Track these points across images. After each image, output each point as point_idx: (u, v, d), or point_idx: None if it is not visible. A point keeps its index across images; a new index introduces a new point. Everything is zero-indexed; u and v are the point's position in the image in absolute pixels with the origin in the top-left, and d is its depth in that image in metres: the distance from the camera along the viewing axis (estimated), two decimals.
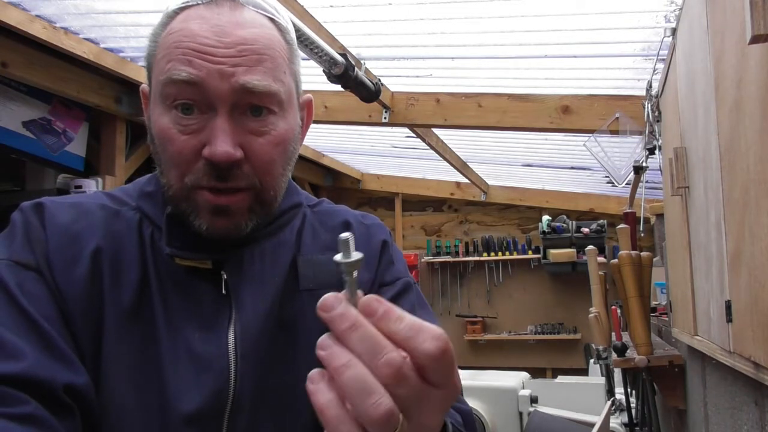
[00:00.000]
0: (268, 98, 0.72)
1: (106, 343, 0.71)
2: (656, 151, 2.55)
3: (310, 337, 0.77)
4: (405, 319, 0.44)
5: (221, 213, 0.72)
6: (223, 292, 0.75)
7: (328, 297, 0.45)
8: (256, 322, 0.75)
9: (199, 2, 0.72)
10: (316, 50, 2.29)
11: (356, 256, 0.47)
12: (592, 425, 1.64)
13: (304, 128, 0.83)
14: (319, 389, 0.44)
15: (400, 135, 4.25)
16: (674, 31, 2.02)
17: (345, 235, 0.47)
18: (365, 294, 0.80)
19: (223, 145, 0.69)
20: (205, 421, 0.71)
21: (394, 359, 0.42)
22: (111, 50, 2.99)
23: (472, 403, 2.36)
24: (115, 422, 0.70)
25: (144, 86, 0.79)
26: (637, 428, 2.60)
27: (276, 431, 0.75)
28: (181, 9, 0.73)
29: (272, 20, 0.75)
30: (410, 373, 0.43)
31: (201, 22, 0.71)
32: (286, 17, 0.78)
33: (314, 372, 0.45)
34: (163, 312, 0.73)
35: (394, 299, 0.82)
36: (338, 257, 0.46)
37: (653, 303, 3.04)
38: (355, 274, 0.46)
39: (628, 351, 2.37)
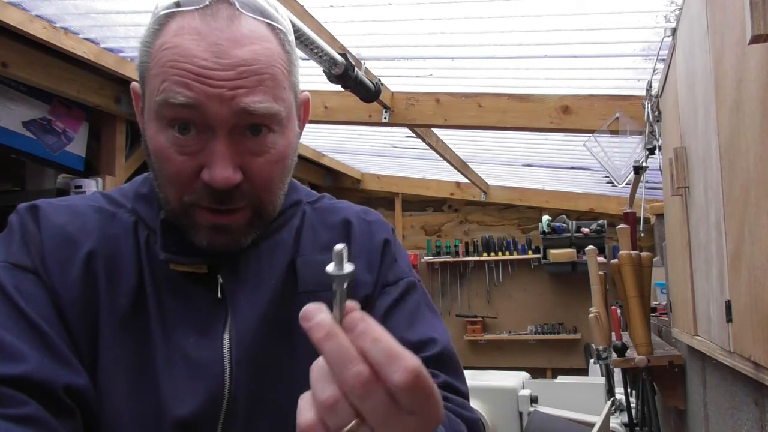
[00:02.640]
0: (268, 119, 0.70)
1: (101, 346, 0.71)
2: (656, 151, 2.55)
3: (308, 340, 0.77)
4: (381, 342, 0.44)
5: (221, 231, 0.72)
6: (219, 296, 0.74)
7: (309, 307, 0.46)
8: (251, 326, 0.74)
9: (192, 7, 0.68)
10: (316, 50, 2.29)
11: (348, 268, 0.46)
12: (592, 425, 1.64)
13: (301, 126, 0.82)
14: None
15: (400, 135, 4.24)
16: (674, 31, 2.02)
17: (339, 246, 0.47)
18: (370, 296, 0.80)
19: (222, 171, 0.67)
20: (200, 426, 0.70)
21: (361, 372, 0.43)
22: (111, 50, 2.99)
23: (472, 403, 2.36)
24: (110, 426, 0.69)
25: (135, 85, 0.77)
26: (637, 428, 2.60)
27: None
28: (173, 14, 0.69)
29: (271, 27, 0.71)
30: (377, 390, 0.43)
31: (198, 40, 0.67)
32: (285, 16, 0.75)
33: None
34: (159, 316, 0.73)
35: (399, 300, 0.81)
36: (330, 268, 0.46)
37: (653, 303, 3.03)
38: (345, 285, 0.46)
39: (628, 351, 2.37)
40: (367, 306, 0.80)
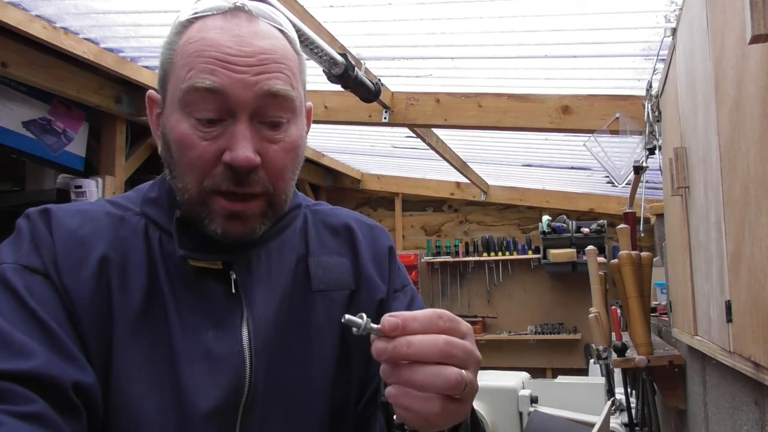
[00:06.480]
0: (287, 103, 0.74)
1: (116, 344, 0.72)
2: (656, 151, 2.55)
3: (322, 335, 0.83)
4: (417, 318, 0.59)
5: (236, 218, 0.74)
6: (233, 291, 0.77)
7: (377, 348, 0.58)
8: (267, 319, 0.78)
9: (215, 12, 0.74)
10: (316, 50, 2.29)
11: (364, 317, 0.60)
12: (592, 425, 1.64)
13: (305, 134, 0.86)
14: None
15: (400, 135, 4.24)
16: (674, 31, 2.02)
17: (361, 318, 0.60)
18: (384, 299, 0.88)
19: (244, 150, 0.71)
20: (221, 416, 0.73)
21: (447, 340, 0.58)
22: (111, 50, 2.99)
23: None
24: (129, 422, 0.71)
25: (151, 92, 0.80)
26: (637, 428, 2.60)
27: (287, 424, 0.77)
28: (196, 18, 0.75)
29: (282, 32, 0.78)
30: (455, 340, 0.59)
31: (221, 32, 0.73)
32: (293, 30, 0.81)
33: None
34: (176, 312, 0.75)
35: (409, 305, 0.88)
36: (355, 329, 0.60)
37: (653, 303, 3.03)
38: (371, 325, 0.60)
39: (628, 351, 2.37)
40: (382, 309, 0.86)
